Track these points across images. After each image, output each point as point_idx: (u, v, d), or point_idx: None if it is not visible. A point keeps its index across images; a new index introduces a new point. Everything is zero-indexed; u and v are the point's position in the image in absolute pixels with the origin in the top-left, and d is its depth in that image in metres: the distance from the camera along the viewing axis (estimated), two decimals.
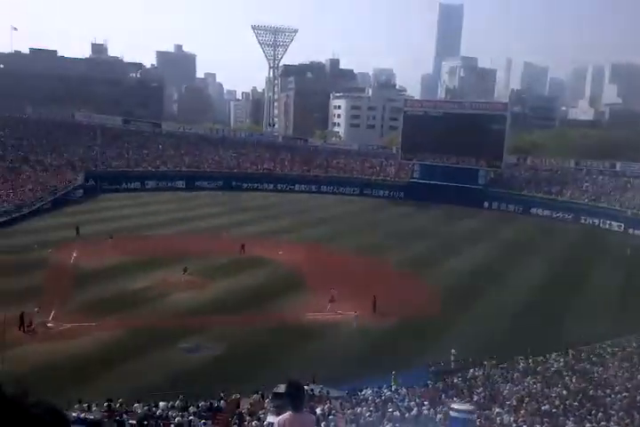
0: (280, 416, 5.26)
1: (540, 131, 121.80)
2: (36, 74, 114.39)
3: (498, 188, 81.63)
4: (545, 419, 19.15)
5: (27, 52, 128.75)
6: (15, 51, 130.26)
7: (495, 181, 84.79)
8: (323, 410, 21.34)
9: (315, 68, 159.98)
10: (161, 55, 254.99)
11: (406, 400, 22.70)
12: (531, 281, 43.19)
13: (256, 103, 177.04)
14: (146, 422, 18.71)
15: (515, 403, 21.66)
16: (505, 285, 41.89)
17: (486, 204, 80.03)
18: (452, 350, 28.50)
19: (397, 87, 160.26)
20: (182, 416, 19.49)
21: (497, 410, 20.27)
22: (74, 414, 18.99)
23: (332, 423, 19.68)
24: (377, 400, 22.48)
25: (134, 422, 18.82)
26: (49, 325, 30.64)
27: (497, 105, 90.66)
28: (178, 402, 21.31)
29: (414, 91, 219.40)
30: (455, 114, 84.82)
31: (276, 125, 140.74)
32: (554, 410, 20.32)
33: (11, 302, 27.67)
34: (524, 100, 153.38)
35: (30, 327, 29.68)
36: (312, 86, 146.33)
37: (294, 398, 5.01)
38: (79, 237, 49.55)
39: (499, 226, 66.26)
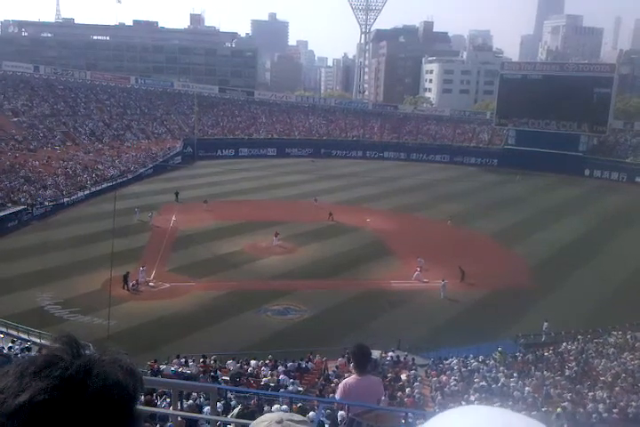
0: (345, 379, 5.41)
1: None
2: (139, 45, 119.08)
3: (601, 155, 76.89)
4: None
5: (130, 24, 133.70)
6: (120, 23, 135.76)
7: (598, 147, 79.84)
8: (408, 376, 21.56)
9: (407, 32, 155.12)
10: (255, 24, 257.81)
11: (494, 371, 22.44)
12: (635, 253, 40.73)
13: (346, 70, 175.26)
14: (238, 379, 19.69)
15: (609, 379, 20.89)
16: (604, 258, 39.83)
17: (587, 172, 75.76)
18: (545, 323, 27.73)
19: (494, 49, 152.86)
20: (272, 375, 20.34)
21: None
22: (172, 368, 20.32)
23: (417, 390, 19.86)
24: (463, 370, 22.37)
25: (227, 378, 19.86)
26: (151, 284, 32.68)
27: (603, 67, 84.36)
28: (267, 361, 22.22)
29: (512, 53, 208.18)
30: (556, 76, 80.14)
31: (366, 92, 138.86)
32: None
33: (115, 262, 29.55)
34: (633, 61, 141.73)
35: (134, 286, 31.78)
36: (404, 51, 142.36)
37: (359, 362, 5.13)
38: (178, 201, 51.98)
39: (600, 195, 62.66)
